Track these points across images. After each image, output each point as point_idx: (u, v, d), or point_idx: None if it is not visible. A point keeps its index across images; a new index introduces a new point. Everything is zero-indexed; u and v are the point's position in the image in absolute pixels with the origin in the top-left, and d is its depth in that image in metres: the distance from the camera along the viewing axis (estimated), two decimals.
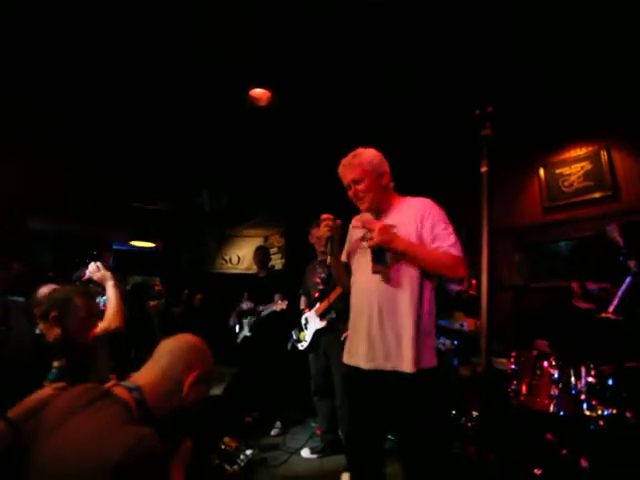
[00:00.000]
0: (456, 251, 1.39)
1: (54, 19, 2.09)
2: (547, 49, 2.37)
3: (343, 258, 1.66)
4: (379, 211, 1.55)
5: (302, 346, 2.79)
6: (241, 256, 5.91)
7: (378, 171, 1.49)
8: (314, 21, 2.13)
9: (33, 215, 4.70)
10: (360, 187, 1.47)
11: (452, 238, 1.41)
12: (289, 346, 2.91)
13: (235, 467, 2.45)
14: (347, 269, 1.64)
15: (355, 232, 1.64)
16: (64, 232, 5.38)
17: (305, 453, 2.72)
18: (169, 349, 0.97)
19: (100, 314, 1.77)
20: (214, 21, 2.13)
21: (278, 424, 3.17)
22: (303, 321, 2.81)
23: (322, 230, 1.55)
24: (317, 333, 2.69)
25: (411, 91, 2.79)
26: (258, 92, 2.79)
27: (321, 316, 2.66)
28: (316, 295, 2.75)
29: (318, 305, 2.69)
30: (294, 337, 2.85)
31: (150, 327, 3.79)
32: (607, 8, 2.03)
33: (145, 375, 0.93)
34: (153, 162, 3.96)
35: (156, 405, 0.88)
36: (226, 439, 2.64)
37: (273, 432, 3.12)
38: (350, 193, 1.52)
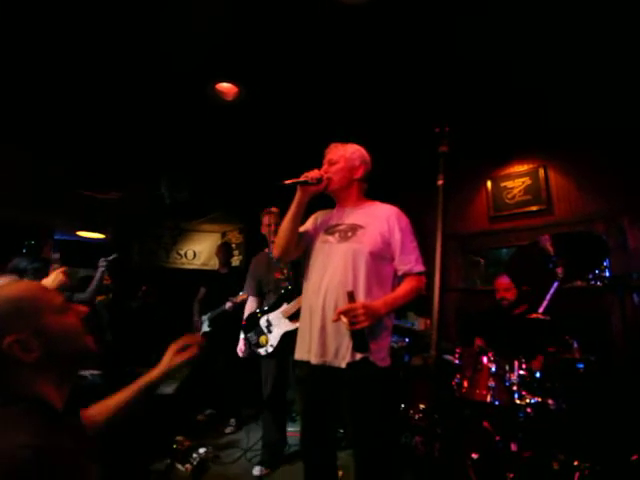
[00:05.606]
0: (420, 266, 1.50)
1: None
2: (499, 79, 2.63)
3: (300, 229, 1.62)
4: (344, 204, 1.62)
5: (266, 351, 2.46)
6: (197, 251, 5.75)
7: (355, 163, 1.60)
8: (284, 20, 2.16)
9: None
10: (332, 168, 1.57)
11: (417, 252, 1.52)
12: (246, 352, 2.58)
13: (187, 466, 2.44)
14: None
15: (320, 218, 1.67)
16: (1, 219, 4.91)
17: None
18: None
19: None
20: (179, 8, 2.06)
21: (232, 421, 3.16)
22: (264, 323, 2.50)
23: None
24: (286, 336, 2.38)
25: (375, 99, 2.92)
26: (225, 86, 2.76)
27: (291, 318, 2.37)
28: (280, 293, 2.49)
29: (285, 306, 2.42)
30: (252, 342, 2.53)
31: (100, 323, 3.60)
32: (550, 40, 2.27)
33: None
34: (107, 150, 3.75)
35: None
36: (179, 438, 2.61)
37: (227, 430, 3.11)
38: (322, 169, 1.56)
